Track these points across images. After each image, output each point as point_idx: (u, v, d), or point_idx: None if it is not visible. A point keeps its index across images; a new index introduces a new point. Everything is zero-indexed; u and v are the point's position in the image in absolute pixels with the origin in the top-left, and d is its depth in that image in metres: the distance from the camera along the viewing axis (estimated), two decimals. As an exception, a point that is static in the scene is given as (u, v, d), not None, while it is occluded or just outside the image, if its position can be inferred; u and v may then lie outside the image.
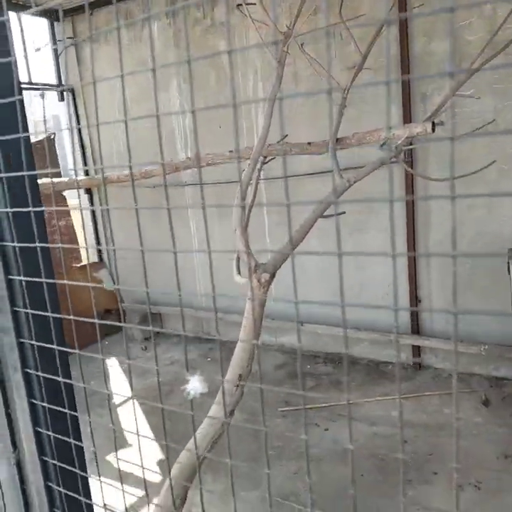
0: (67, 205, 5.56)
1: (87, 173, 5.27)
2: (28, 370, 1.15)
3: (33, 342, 1.13)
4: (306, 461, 3.02)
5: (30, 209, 1.09)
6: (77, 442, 1.13)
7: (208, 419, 2.15)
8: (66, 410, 1.12)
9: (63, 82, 5.95)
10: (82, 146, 5.80)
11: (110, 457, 3.31)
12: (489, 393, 3.75)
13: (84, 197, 5.82)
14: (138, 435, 1.16)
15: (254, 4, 2.73)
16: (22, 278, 1.11)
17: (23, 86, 5.18)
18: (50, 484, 1.15)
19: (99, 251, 5.95)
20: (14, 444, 1.18)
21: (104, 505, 1.09)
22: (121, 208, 3.74)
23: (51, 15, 5.55)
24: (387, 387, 3.93)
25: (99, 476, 1.21)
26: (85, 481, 1.16)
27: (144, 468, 1.18)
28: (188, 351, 5.11)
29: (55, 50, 6.04)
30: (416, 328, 4.27)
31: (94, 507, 1.20)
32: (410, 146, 3.42)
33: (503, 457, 3.09)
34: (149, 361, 4.88)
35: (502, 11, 3.51)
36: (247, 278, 2.41)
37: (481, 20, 3.64)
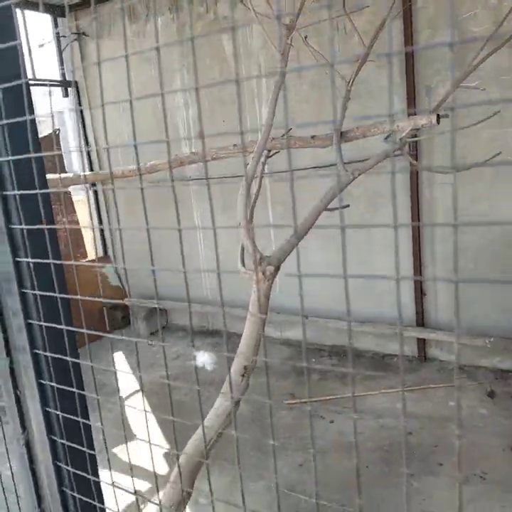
0: (72, 201, 5.59)
1: (92, 168, 5.28)
2: (37, 351, 1.17)
3: (41, 323, 1.14)
4: (312, 452, 3.03)
5: (37, 191, 1.10)
6: (85, 421, 1.15)
7: (214, 411, 2.17)
8: (74, 389, 1.14)
9: (67, 78, 5.96)
10: (87, 142, 5.82)
11: (117, 450, 3.35)
12: (494, 385, 3.75)
13: (90, 193, 5.84)
14: (146, 414, 1.18)
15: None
16: (29, 260, 1.12)
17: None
18: (58, 463, 1.17)
19: (105, 246, 5.97)
20: (23, 424, 1.20)
21: (113, 483, 1.11)
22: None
23: (54, 10, 5.56)
24: (392, 380, 3.94)
25: (109, 464, 1.22)
26: (93, 460, 1.18)
27: (152, 452, 1.20)
28: (194, 345, 5.14)
29: (59, 46, 6.05)
30: (421, 321, 4.28)
31: (102, 485, 1.22)
32: (415, 139, 3.41)
33: (508, 449, 3.09)
34: (156, 355, 4.91)
35: (508, 1, 3.49)
36: (252, 271, 2.42)
37: (486, 11, 3.62)
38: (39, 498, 1.23)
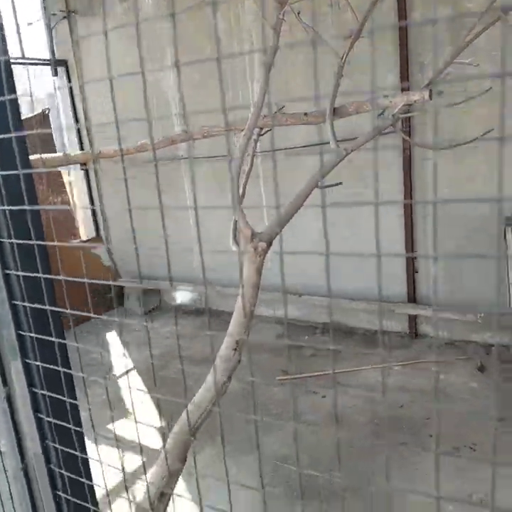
0: (63, 181, 5.55)
1: (82, 147, 5.23)
2: (22, 332, 1.17)
3: (26, 304, 1.14)
4: (302, 427, 3.08)
5: (18, 171, 1.10)
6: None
7: (205, 386, 2.19)
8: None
9: (57, 57, 5.86)
10: (77, 121, 5.75)
11: (111, 426, 3.38)
12: (485, 360, 3.80)
13: (80, 172, 5.80)
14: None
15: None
16: (13, 240, 1.12)
17: (16, 61, 5.11)
18: (40, 415, 1.18)
19: (97, 227, 5.95)
20: (4, 378, 1.21)
21: (100, 461, 1.12)
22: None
23: (42, -14, 5.44)
24: (383, 356, 3.99)
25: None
26: (75, 410, 1.19)
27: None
28: (186, 325, 5.16)
29: (48, 25, 5.93)
30: (412, 298, 4.32)
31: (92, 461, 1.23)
32: (408, 114, 3.40)
33: (498, 421, 3.15)
34: (149, 334, 4.93)
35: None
36: (244, 247, 2.42)
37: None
38: (22, 455, 1.25)
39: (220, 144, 4.45)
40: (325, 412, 3.41)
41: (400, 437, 3.08)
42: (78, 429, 1.18)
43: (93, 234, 5.85)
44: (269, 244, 2.48)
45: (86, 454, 1.25)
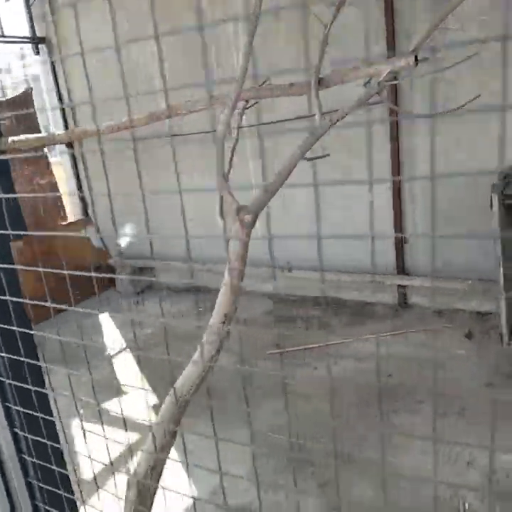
0: (49, 162, 5.48)
1: (66, 126, 5.16)
2: None
3: None
4: (293, 398, 3.11)
5: None
6: (30, 360, 1.16)
7: (193, 359, 2.20)
8: (16, 328, 1.13)
9: (37, 34, 5.74)
10: (61, 100, 5.65)
11: (105, 405, 3.41)
12: (473, 327, 3.85)
13: (66, 153, 5.72)
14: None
15: None
16: None
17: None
18: (8, 404, 1.18)
19: (85, 207, 5.90)
20: None
21: (84, 431, 1.12)
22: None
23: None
24: (373, 327, 4.03)
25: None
26: (43, 399, 1.19)
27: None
28: (179, 302, 5.18)
29: (27, 1, 5.78)
30: (401, 269, 4.34)
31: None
32: (394, 82, 3.36)
33: (484, 386, 3.20)
34: (141, 314, 4.94)
35: None
36: (230, 220, 2.41)
37: None
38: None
39: (208, 120, 4.39)
40: (316, 383, 3.45)
41: (391, 405, 3.13)
42: (48, 417, 1.18)
43: (81, 215, 5.81)
44: (256, 216, 2.48)
45: (57, 442, 1.25)
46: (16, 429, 1.21)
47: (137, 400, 3.49)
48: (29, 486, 1.21)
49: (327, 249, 4.48)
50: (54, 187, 5.62)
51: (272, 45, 4.32)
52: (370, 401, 3.18)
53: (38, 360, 1.20)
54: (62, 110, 5.69)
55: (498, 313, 3.47)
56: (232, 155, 2.77)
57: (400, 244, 4.29)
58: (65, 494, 1.22)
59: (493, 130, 3.72)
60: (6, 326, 1.14)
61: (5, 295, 1.14)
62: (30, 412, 1.18)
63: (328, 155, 3.47)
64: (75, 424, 3.12)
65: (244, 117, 3.09)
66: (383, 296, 4.55)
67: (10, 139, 2.06)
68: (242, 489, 2.62)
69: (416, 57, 2.87)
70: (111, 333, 4.75)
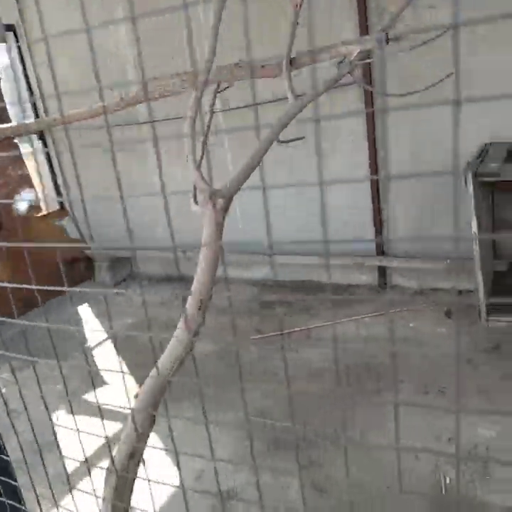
0: (20, 153, 5.34)
1: (37, 115, 5.03)
2: None
3: None
4: (278, 382, 3.10)
5: None
6: None
7: (170, 346, 2.17)
8: None
9: (3, 22, 5.55)
10: (30, 89, 5.50)
11: (88, 396, 3.37)
12: (453, 305, 3.88)
13: (38, 142, 5.59)
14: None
15: None
16: None
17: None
18: None
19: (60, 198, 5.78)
20: None
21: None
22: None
23: None
24: (354, 309, 4.04)
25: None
26: None
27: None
28: (159, 291, 5.13)
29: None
30: (381, 250, 4.34)
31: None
32: (366, 61, 3.33)
33: (465, 363, 3.23)
34: (121, 304, 4.89)
35: None
36: (203, 205, 2.37)
37: None
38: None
39: (183, 105, 4.31)
40: (299, 366, 3.45)
41: (373, 385, 3.14)
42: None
43: (56, 206, 5.69)
44: (230, 200, 2.44)
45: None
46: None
47: (119, 390, 3.45)
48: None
49: (308, 233, 4.45)
50: (27, 178, 5.49)
51: (239, 27, 4.24)
52: (353, 382, 3.20)
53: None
54: (33, 99, 5.55)
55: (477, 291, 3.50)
56: (206, 139, 2.72)
57: (378, 226, 4.29)
58: (9, 501, 1.18)
59: (469, 109, 3.72)
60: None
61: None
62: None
63: (303, 138, 3.43)
64: (56, 416, 3.08)
65: (217, 101, 3.04)
66: (363, 278, 4.56)
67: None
68: (227, 473, 2.62)
69: (386, 34, 2.83)
70: (91, 325, 4.69)
